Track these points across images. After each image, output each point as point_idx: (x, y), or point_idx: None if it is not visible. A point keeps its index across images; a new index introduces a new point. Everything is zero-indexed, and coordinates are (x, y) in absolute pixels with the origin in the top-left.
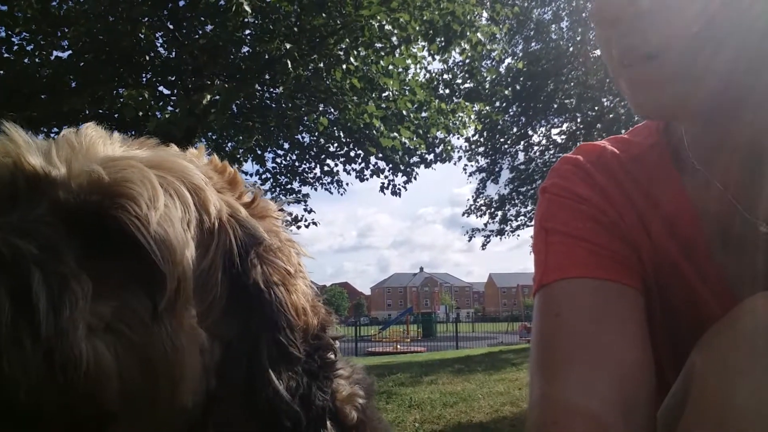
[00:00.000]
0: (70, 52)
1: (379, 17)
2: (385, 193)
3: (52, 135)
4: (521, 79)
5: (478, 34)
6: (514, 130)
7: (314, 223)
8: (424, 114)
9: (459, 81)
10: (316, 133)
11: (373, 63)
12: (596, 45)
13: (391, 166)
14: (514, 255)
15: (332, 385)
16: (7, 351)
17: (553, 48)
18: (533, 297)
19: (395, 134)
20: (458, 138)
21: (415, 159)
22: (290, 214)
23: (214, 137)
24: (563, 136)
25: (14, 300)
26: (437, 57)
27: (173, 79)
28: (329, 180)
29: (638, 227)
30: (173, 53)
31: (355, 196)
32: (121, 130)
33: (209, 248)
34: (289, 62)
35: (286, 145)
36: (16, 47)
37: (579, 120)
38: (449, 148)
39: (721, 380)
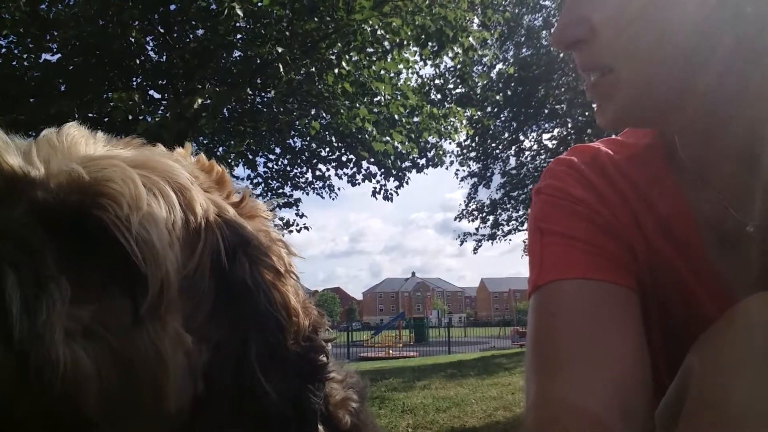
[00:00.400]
0: (59, 55)
1: (371, 22)
2: (377, 198)
3: None
4: (512, 84)
5: (470, 39)
6: (506, 135)
7: (306, 228)
8: (416, 119)
9: (451, 86)
10: (308, 138)
11: (365, 67)
12: None
13: (383, 170)
14: (506, 260)
15: (325, 388)
16: None
17: (543, 54)
18: (529, 298)
19: (387, 138)
20: (450, 143)
21: (407, 164)
22: (281, 219)
23: (205, 141)
24: (554, 141)
25: None
26: (429, 62)
27: (164, 82)
28: (321, 185)
29: (633, 228)
30: (164, 57)
31: (347, 200)
32: (110, 133)
33: (195, 249)
34: (280, 66)
35: (278, 150)
36: (3, 50)
37: (570, 125)
38: (441, 152)
39: (718, 380)
